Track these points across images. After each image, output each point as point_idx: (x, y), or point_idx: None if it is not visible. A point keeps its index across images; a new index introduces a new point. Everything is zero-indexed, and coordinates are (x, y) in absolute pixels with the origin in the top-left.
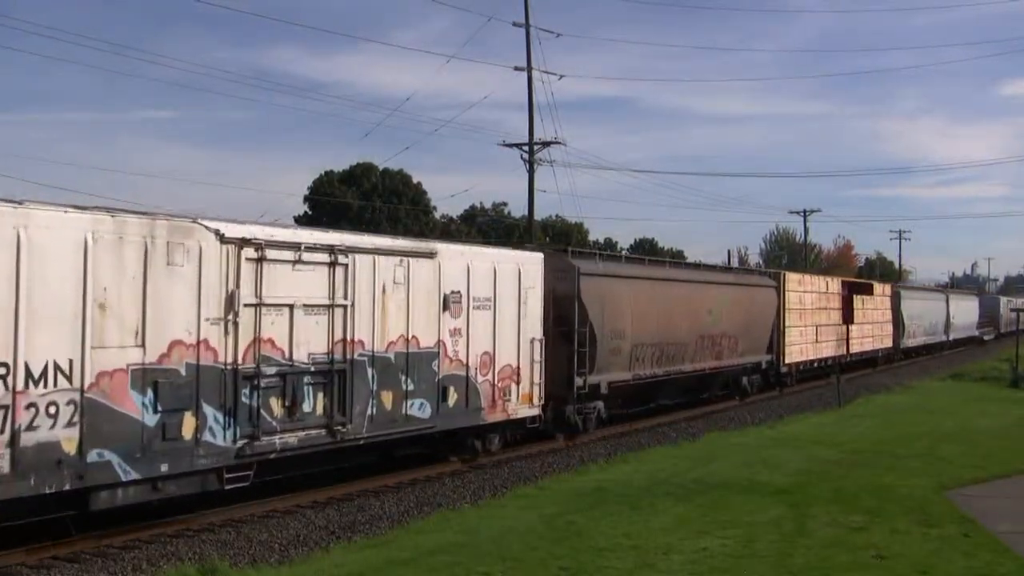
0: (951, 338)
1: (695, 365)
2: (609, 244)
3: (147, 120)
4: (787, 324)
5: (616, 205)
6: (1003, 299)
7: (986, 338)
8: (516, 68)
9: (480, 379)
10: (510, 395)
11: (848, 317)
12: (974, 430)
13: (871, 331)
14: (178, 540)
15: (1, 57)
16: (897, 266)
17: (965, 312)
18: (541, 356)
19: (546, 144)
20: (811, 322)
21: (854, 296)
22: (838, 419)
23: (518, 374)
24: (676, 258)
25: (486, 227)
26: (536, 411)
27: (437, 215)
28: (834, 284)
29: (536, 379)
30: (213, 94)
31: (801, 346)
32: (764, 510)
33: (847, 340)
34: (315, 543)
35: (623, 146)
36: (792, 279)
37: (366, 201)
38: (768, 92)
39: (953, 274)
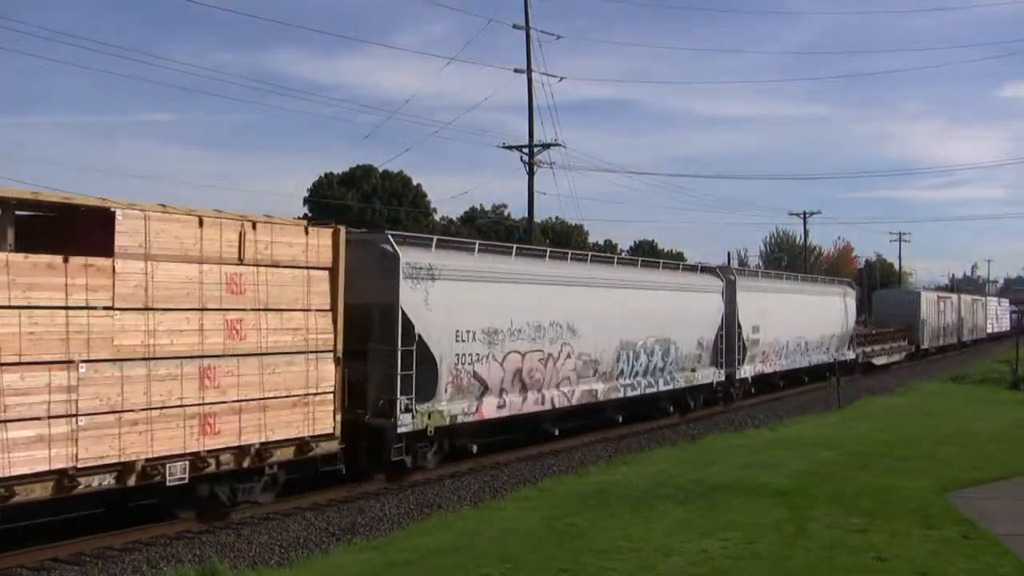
0: (747, 374)
1: None
2: (610, 246)
3: (147, 122)
4: None
5: (616, 207)
6: (927, 296)
7: (878, 362)
8: (516, 70)
9: None
10: None
11: None
12: (974, 432)
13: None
14: (178, 542)
15: (1, 59)
16: (897, 267)
17: (803, 321)
18: None
19: (546, 146)
20: None
21: None
22: (838, 421)
23: None
24: (676, 260)
25: (486, 229)
26: None
27: (437, 217)
28: None
29: None
30: (213, 96)
31: None
32: (764, 512)
33: None
34: (315, 545)
35: (623, 148)
36: None
37: (366, 203)
38: (768, 94)
39: (953, 275)
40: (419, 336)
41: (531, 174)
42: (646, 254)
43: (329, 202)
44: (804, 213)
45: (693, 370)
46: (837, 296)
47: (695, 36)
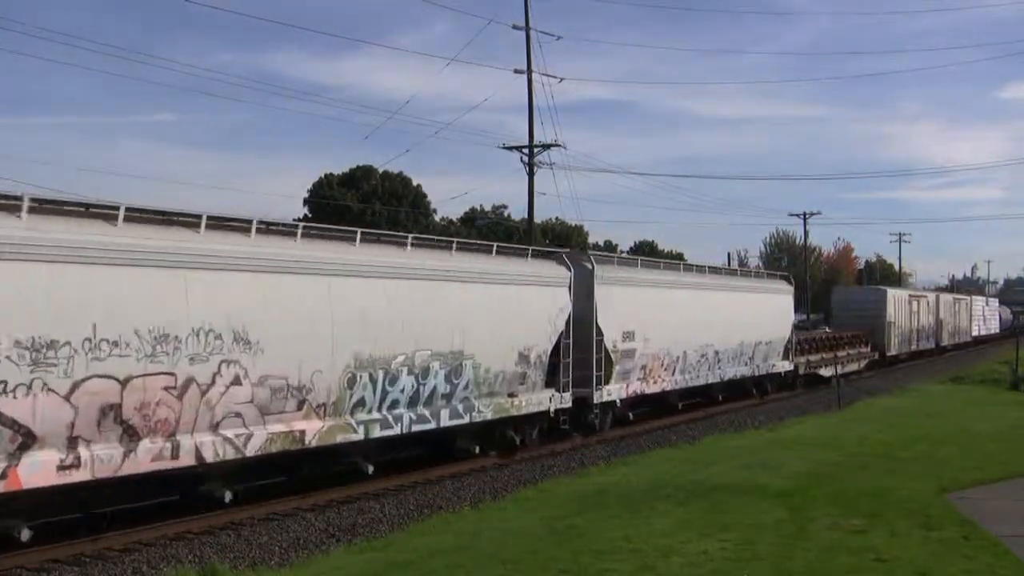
0: (615, 396)
1: None
2: (609, 246)
3: (147, 123)
4: None
5: (617, 208)
6: (895, 294)
7: (828, 373)
8: (516, 71)
9: None
10: None
11: None
12: (974, 433)
13: None
14: (178, 543)
15: (1, 60)
16: (897, 268)
17: (711, 324)
18: None
19: (546, 147)
20: None
21: None
22: (838, 422)
23: None
24: (676, 260)
25: (486, 230)
26: None
27: (437, 218)
28: None
29: None
30: (213, 96)
31: None
32: (764, 513)
33: None
34: (315, 546)
35: (623, 149)
36: None
37: (366, 204)
38: (768, 95)
39: (953, 276)
40: None
41: (531, 175)
42: (646, 254)
43: (329, 203)
44: (804, 214)
45: (512, 395)
46: (766, 293)
47: (695, 37)
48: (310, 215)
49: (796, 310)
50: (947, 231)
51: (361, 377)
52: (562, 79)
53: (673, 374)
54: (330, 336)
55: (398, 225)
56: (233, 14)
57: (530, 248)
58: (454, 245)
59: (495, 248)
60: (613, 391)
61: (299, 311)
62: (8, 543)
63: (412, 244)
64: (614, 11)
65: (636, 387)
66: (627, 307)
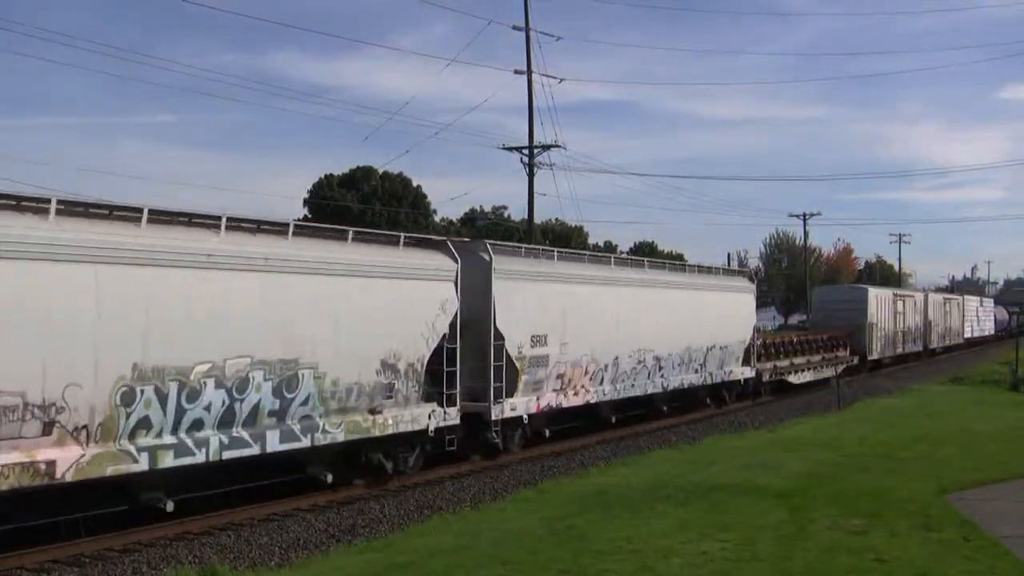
0: (521, 411)
1: None
2: (609, 247)
3: (147, 123)
4: None
5: (617, 208)
6: (878, 293)
7: (797, 380)
8: (516, 72)
9: None
10: None
11: None
12: (974, 433)
13: None
14: (178, 543)
15: (1, 60)
16: (897, 269)
17: (650, 326)
18: None
19: (546, 147)
20: None
21: None
22: (838, 422)
23: None
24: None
25: (486, 230)
26: None
27: (437, 218)
28: None
29: None
30: (214, 97)
31: None
32: (764, 513)
33: None
34: (315, 546)
35: (624, 149)
36: None
37: (366, 204)
38: (768, 96)
39: (953, 277)
40: None
41: (531, 175)
42: (646, 255)
43: (329, 203)
44: (804, 214)
45: (374, 412)
46: (721, 291)
47: (695, 37)
48: (310, 216)
49: (796, 311)
50: (947, 232)
51: (143, 392)
52: (562, 79)
53: (601, 384)
54: (91, 339)
55: (398, 226)
56: (233, 14)
57: (402, 235)
58: (290, 229)
59: (351, 234)
60: (519, 405)
61: (45, 307)
62: (8, 543)
63: (228, 227)
64: (614, 11)
65: (550, 399)
66: (538, 306)
